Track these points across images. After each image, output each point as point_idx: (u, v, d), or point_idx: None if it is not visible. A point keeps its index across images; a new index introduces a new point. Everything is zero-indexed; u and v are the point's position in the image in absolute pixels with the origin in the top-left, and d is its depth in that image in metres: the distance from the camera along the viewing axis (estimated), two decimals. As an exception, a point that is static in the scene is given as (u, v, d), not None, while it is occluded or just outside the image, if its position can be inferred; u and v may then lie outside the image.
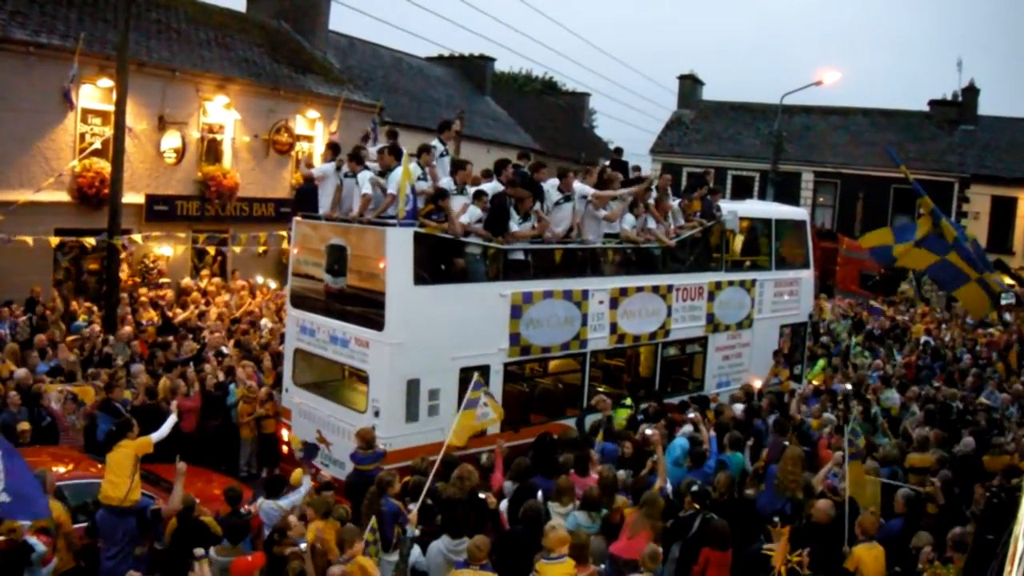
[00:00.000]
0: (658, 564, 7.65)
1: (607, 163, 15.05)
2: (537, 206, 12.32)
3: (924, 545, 8.28)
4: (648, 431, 10.83)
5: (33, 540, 7.62)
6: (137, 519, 8.70)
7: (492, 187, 12.18)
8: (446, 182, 11.84)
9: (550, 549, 7.39)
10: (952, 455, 11.89)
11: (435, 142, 12.39)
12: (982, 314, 15.26)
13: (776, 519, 8.74)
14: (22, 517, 7.43)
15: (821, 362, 18.31)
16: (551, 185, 12.87)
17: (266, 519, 9.09)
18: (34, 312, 15.85)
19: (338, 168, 12.08)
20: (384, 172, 11.45)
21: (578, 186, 12.93)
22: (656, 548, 7.74)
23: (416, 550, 8.17)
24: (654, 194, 14.27)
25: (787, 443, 11.08)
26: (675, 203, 14.89)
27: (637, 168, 15.98)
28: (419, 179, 11.39)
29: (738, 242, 16.15)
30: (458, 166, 12.35)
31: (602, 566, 8.33)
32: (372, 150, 12.45)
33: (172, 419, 10.31)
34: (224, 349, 15.29)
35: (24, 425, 10.80)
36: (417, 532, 8.29)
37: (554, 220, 12.62)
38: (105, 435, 9.60)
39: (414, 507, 8.43)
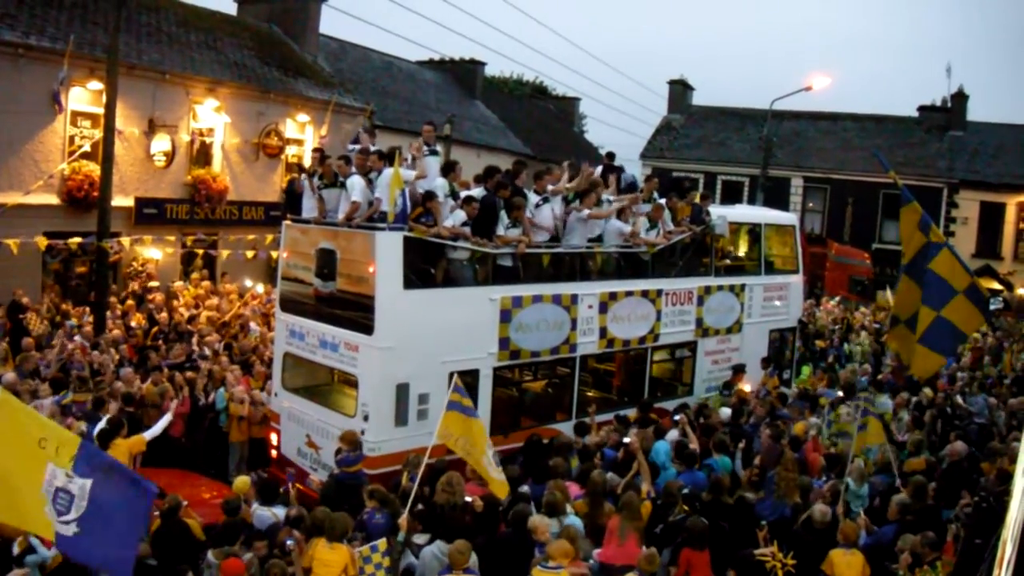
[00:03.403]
0: (655, 567, 7.67)
1: (599, 167, 15.02)
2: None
3: (907, 549, 8.34)
4: (626, 439, 10.84)
5: (36, 542, 7.57)
6: None
7: (479, 193, 12.17)
8: (439, 183, 11.83)
9: (550, 557, 7.40)
10: (939, 459, 11.94)
11: (419, 142, 12.47)
12: (975, 328, 15.16)
13: (763, 523, 8.80)
14: (89, 560, 6.54)
15: (806, 369, 18.38)
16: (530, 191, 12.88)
17: (258, 524, 9.05)
18: (18, 316, 15.72)
19: (311, 175, 12.12)
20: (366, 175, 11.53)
21: (553, 188, 12.97)
22: (653, 552, 7.78)
23: (407, 554, 8.17)
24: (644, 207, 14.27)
25: (781, 447, 11.13)
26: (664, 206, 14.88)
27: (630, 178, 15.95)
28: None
29: (727, 247, 16.18)
30: (449, 167, 12.34)
31: (591, 561, 8.38)
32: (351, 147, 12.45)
33: (167, 417, 10.32)
34: (206, 351, 15.23)
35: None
36: (423, 541, 8.32)
37: (536, 222, 12.63)
38: (98, 434, 9.58)
39: (403, 512, 8.42)
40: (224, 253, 21.23)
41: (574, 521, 8.76)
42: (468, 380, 11.11)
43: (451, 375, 9.97)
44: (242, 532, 8.47)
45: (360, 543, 7.90)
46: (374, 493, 8.92)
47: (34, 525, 6.27)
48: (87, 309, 17.12)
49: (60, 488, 6.09)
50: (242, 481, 9.67)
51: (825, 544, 8.65)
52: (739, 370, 15.21)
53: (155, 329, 16.74)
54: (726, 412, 13.27)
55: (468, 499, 8.87)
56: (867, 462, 11.42)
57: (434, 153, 12.52)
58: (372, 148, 12.38)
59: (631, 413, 12.90)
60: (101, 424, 9.91)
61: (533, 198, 12.70)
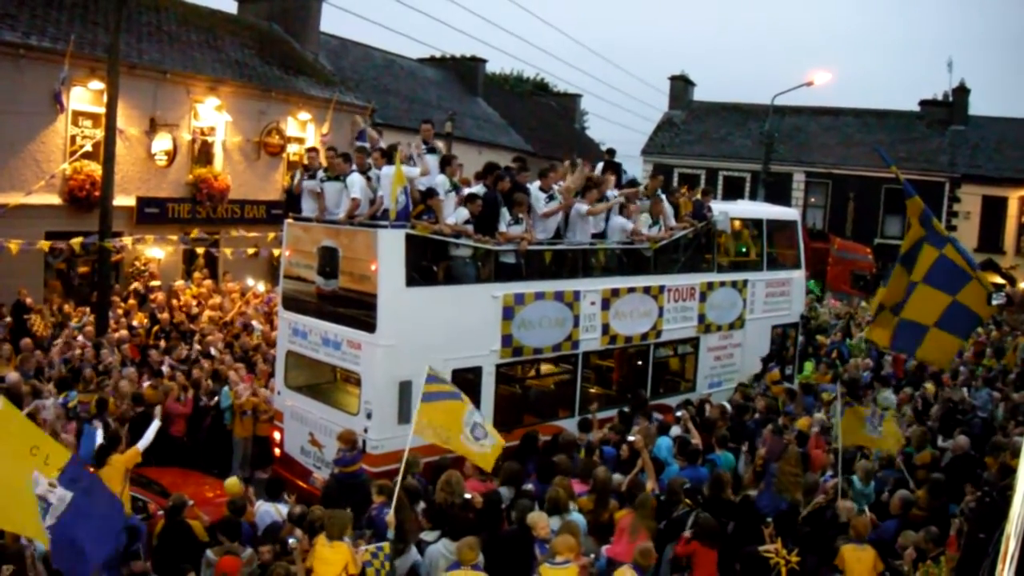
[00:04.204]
0: (650, 561, 7.68)
1: (600, 164, 15.02)
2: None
3: (909, 544, 8.34)
4: (630, 437, 10.83)
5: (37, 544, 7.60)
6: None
7: (480, 190, 12.16)
8: (439, 179, 11.82)
9: (556, 553, 7.42)
10: (941, 452, 11.94)
11: (418, 140, 12.47)
12: (988, 315, 14.95)
13: (769, 519, 8.79)
14: (61, 565, 6.61)
15: (809, 364, 18.36)
16: (534, 187, 12.86)
17: (260, 522, 9.05)
18: (22, 315, 15.73)
19: (312, 176, 12.13)
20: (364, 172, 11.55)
21: (558, 188, 12.96)
22: (649, 546, 7.78)
23: (413, 551, 8.16)
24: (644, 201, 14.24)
25: (786, 442, 11.11)
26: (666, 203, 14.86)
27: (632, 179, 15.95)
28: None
29: (729, 243, 16.16)
30: (445, 161, 12.32)
31: (592, 555, 8.38)
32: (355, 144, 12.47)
33: (156, 424, 10.29)
34: (213, 351, 15.22)
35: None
36: (431, 538, 8.31)
37: (543, 220, 12.62)
38: (97, 450, 9.65)
39: (390, 511, 8.38)
40: (226, 252, 21.24)
41: (576, 518, 8.76)
42: (471, 377, 11.17)
43: (453, 372, 9.97)
44: (241, 532, 8.48)
45: (369, 539, 7.89)
46: (383, 489, 8.90)
47: (26, 529, 6.42)
48: (87, 309, 17.15)
49: (39, 496, 6.27)
50: (232, 482, 9.64)
51: (830, 540, 8.64)
52: (768, 362, 15.24)
53: (156, 328, 16.74)
54: (727, 406, 13.26)
55: (468, 496, 8.87)
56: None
57: (433, 151, 12.52)
58: (378, 145, 12.41)
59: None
60: (100, 440, 10.00)
61: (538, 195, 12.68)
